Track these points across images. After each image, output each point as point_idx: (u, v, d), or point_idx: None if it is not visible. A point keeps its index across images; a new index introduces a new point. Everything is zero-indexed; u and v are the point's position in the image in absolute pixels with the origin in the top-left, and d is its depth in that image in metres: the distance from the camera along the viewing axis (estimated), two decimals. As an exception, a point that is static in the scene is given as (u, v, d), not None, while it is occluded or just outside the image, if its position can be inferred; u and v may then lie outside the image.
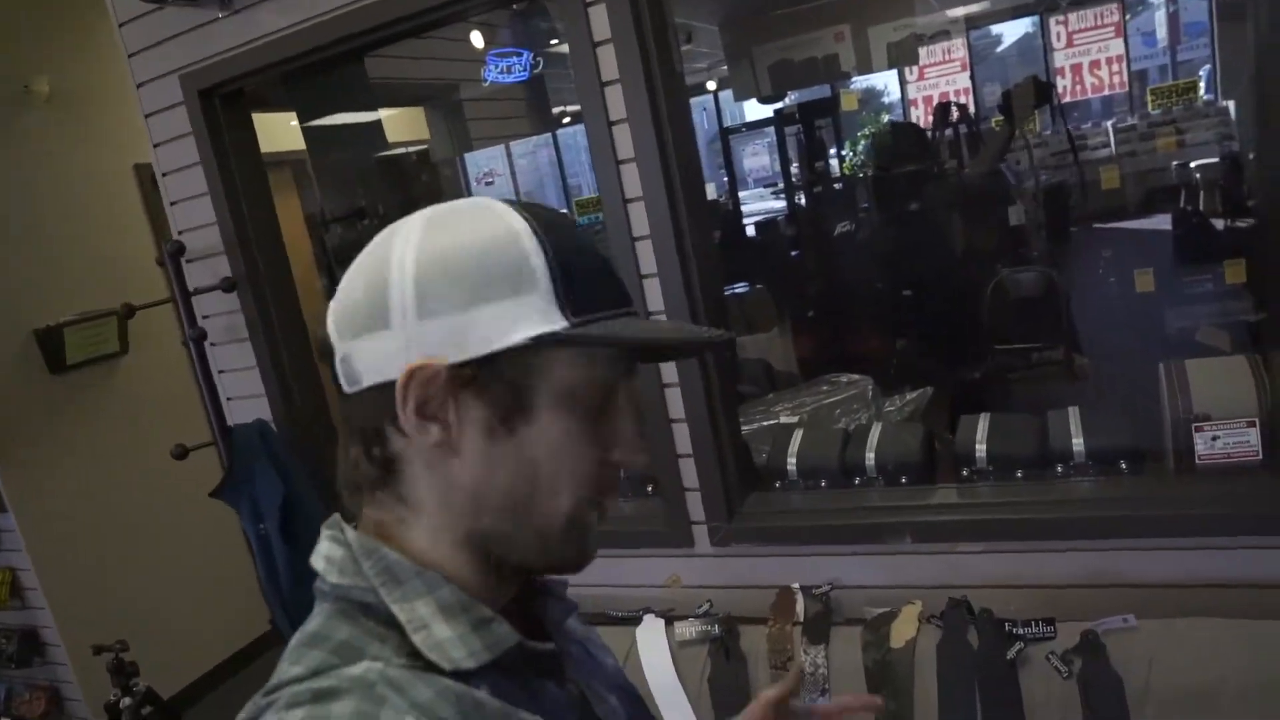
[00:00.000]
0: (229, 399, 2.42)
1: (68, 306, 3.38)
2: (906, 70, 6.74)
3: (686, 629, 1.84)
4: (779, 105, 5.87)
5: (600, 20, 1.77)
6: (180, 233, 2.34)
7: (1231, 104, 5.86)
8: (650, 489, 2.16)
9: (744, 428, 2.70)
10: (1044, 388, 4.24)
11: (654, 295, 1.87)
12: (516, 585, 0.69)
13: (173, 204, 2.33)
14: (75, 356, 3.42)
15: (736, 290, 4.94)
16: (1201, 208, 4.90)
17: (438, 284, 0.60)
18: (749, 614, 1.89)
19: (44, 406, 3.39)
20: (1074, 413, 1.83)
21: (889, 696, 1.60)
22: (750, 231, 6.67)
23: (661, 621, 1.90)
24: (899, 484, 1.91)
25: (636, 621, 1.93)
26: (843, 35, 5.15)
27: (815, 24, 4.95)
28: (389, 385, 0.60)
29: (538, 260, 0.61)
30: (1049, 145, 6.23)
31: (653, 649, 1.83)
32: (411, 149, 4.84)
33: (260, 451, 2.29)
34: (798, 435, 2.08)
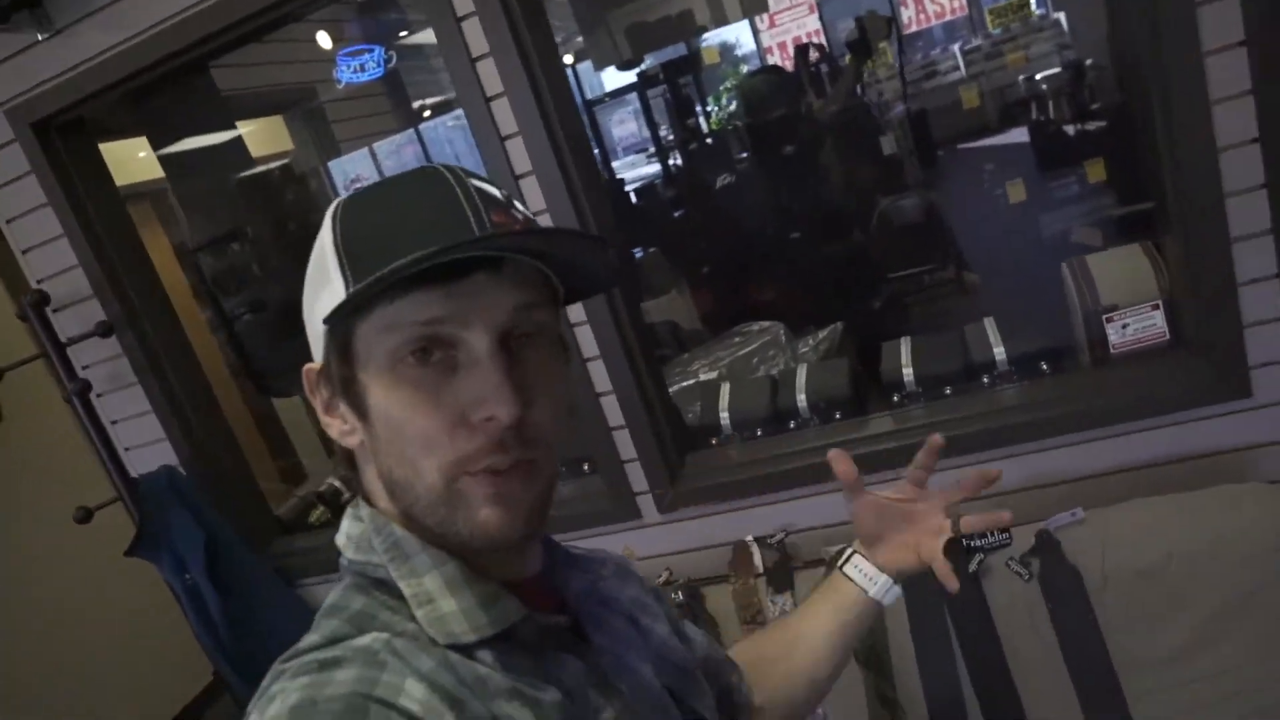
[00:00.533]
0: (127, 449, 2.26)
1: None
2: (758, 20, 6.80)
3: (650, 601, 1.81)
4: (640, 69, 5.83)
5: (463, -2, 1.69)
6: (39, 281, 2.15)
7: (1063, 15, 6.13)
8: (587, 467, 2.12)
9: (669, 389, 2.69)
10: (941, 306, 4.38)
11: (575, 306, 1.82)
12: (522, 559, 0.69)
13: (24, 251, 2.14)
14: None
15: (634, 255, 4.91)
16: (1053, 116, 5.11)
17: (305, 290, 0.66)
18: (710, 574, 1.88)
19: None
20: (990, 324, 1.87)
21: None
22: (632, 199, 6.65)
23: (623, 598, 1.87)
24: (834, 420, 1.91)
25: (597, 603, 1.89)
26: (694, -11, 5.13)
27: (664, -22, 4.92)
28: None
29: (328, 243, 0.62)
30: (906, 75, 6.40)
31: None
32: (276, 163, 4.62)
33: (172, 500, 2.14)
34: (725, 389, 2.07)
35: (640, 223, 5.93)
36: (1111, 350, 1.70)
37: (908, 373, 1.85)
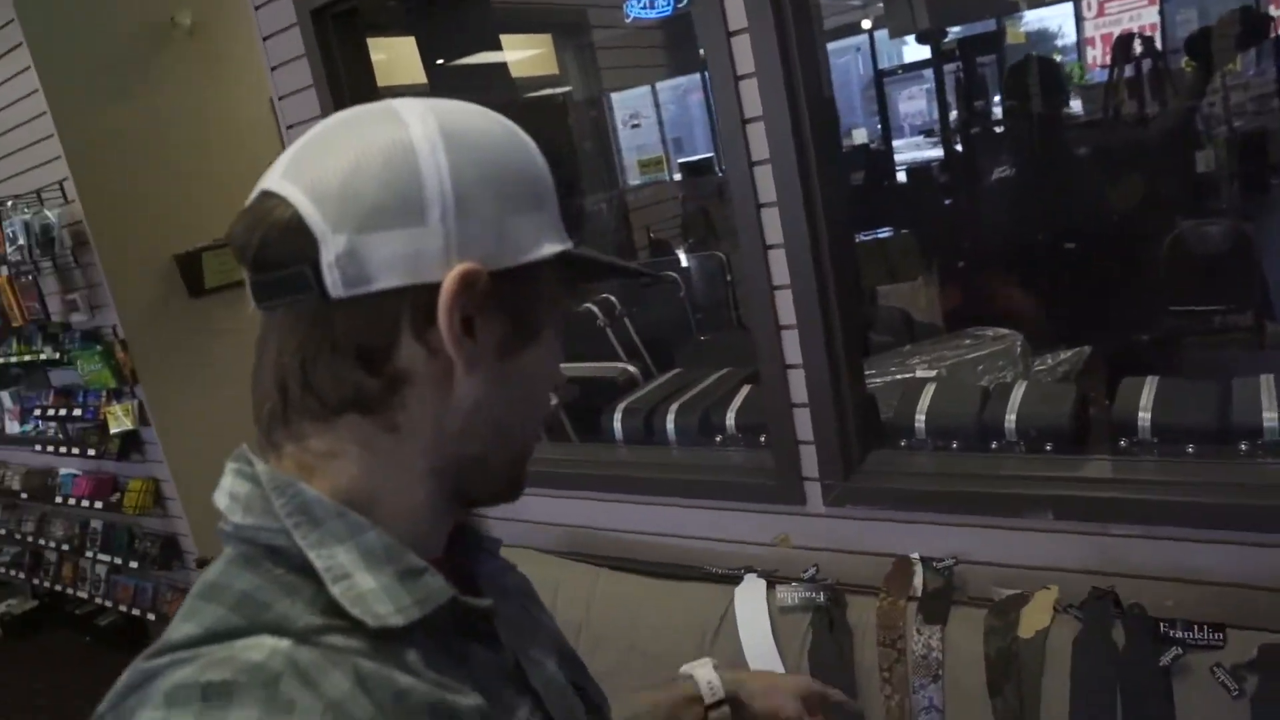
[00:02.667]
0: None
1: (205, 234, 3.47)
2: (1085, 4, 6.16)
3: (789, 594, 1.69)
4: (938, 43, 5.47)
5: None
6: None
7: None
8: (762, 439, 2.01)
9: (875, 380, 2.50)
10: (1225, 356, 3.82)
11: (778, 267, 1.71)
12: (449, 529, 0.64)
13: (289, 128, 2.30)
14: (213, 281, 3.53)
15: (880, 235, 4.66)
16: None
17: (476, 184, 0.55)
18: (860, 583, 1.72)
19: (183, 328, 3.52)
20: (1267, 381, 1.55)
21: (1011, 694, 1.41)
22: (901, 177, 6.32)
23: (764, 583, 1.76)
24: (1042, 451, 1.67)
25: (737, 580, 1.79)
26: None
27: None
28: (420, 289, 0.54)
29: (549, 179, 0.61)
30: (1250, 88, 5.58)
31: (751, 612, 1.69)
32: (541, 90, 4.75)
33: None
34: (929, 390, 1.87)
35: (902, 202, 5.62)
36: None
37: (1144, 416, 1.58)
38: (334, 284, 0.53)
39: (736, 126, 1.66)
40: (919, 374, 2.64)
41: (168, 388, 3.47)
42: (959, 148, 5.86)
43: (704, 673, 0.96)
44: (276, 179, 0.55)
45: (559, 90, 5.00)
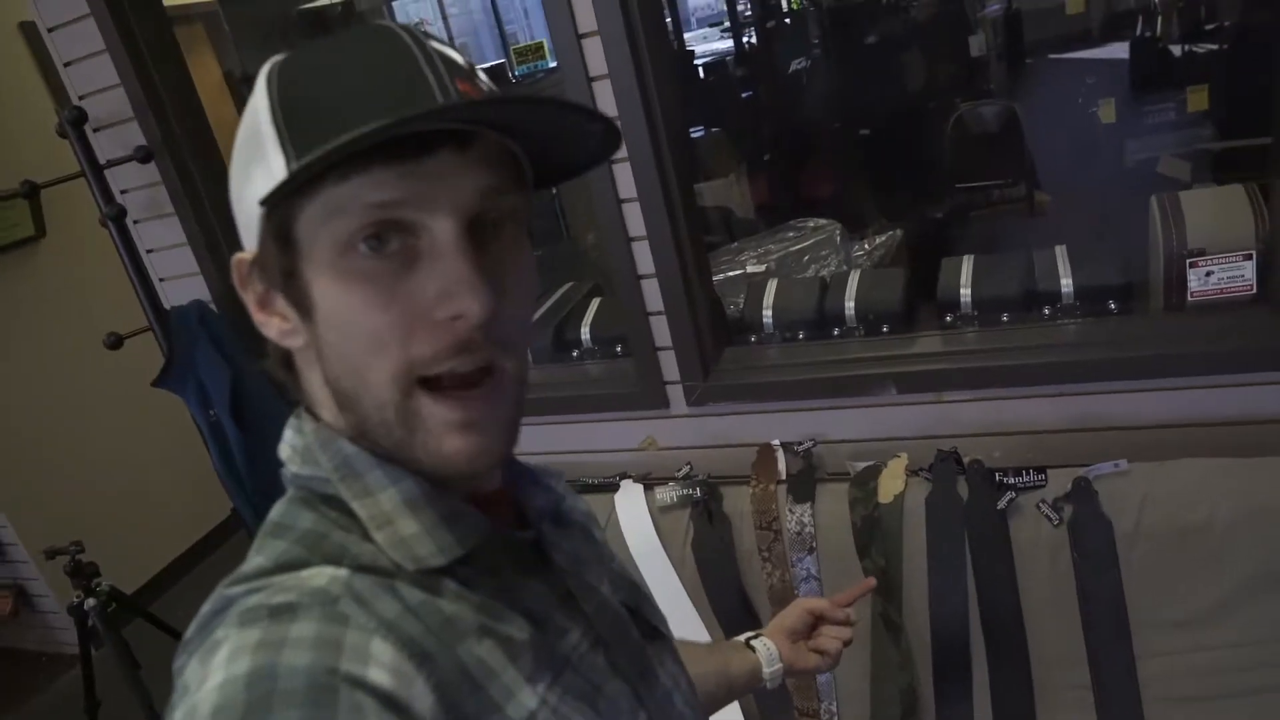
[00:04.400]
0: (161, 280, 2.24)
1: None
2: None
3: (667, 494, 1.79)
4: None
5: None
6: (81, 98, 2.09)
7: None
8: (620, 349, 2.07)
9: (714, 278, 2.61)
10: (1007, 225, 4.20)
11: (624, 181, 1.73)
12: (486, 476, 0.62)
13: (66, 64, 2.07)
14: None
15: (693, 135, 4.74)
16: (1160, 32, 4.77)
17: (235, 170, 0.57)
18: (730, 474, 1.85)
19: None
20: (1061, 252, 1.75)
21: (877, 553, 1.58)
22: (701, 75, 6.39)
23: (640, 486, 1.85)
24: (880, 333, 1.83)
25: (615, 488, 1.87)
26: None
27: None
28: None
29: (263, 110, 0.53)
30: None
31: (632, 515, 1.78)
32: (337, -1, 4.45)
33: (201, 335, 2.13)
34: (772, 286, 1.99)
35: (706, 100, 5.70)
36: (1189, 297, 1.59)
37: (965, 293, 1.76)
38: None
39: (574, 45, 1.66)
40: (750, 270, 2.78)
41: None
42: (753, 40, 5.98)
43: (760, 644, 1.09)
44: None
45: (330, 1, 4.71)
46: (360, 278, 0.52)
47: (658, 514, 1.78)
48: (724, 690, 1.04)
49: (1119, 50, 4.92)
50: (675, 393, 1.91)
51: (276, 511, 0.59)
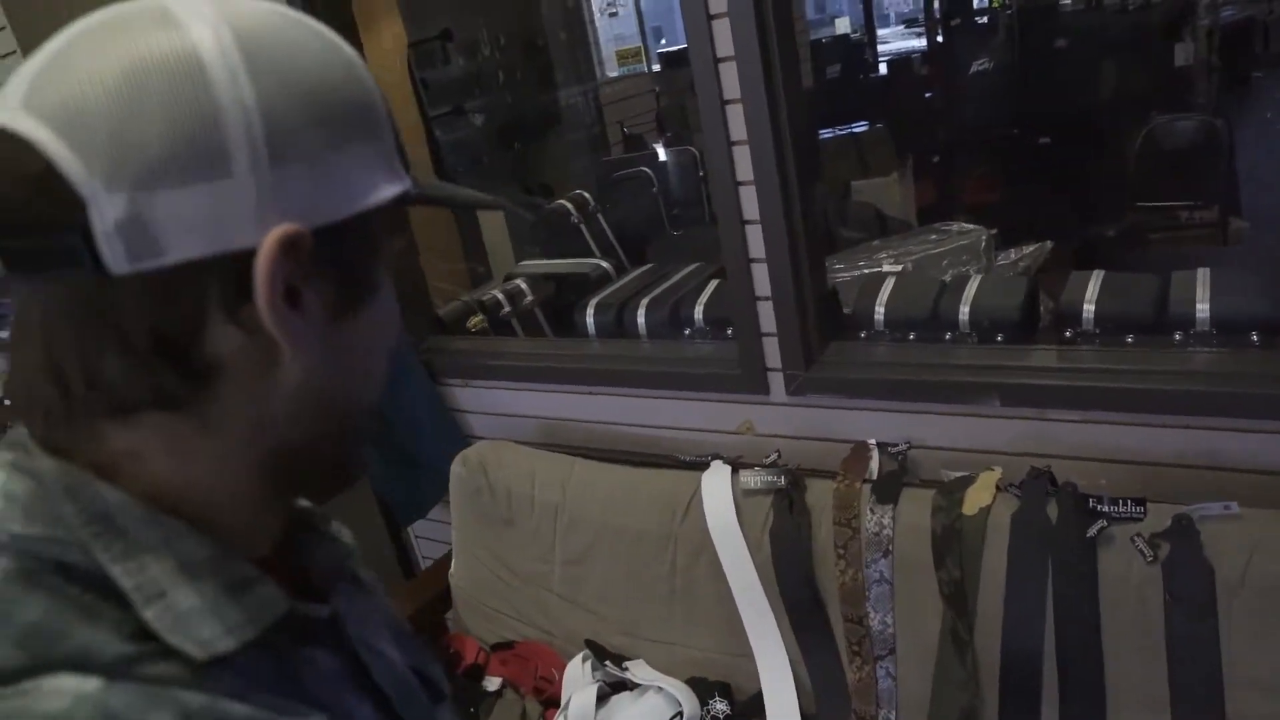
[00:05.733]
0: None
1: None
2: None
3: (752, 478, 1.79)
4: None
5: None
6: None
7: None
8: (729, 331, 2.08)
9: (843, 275, 2.57)
10: (1187, 251, 3.89)
11: (743, 163, 1.73)
12: (279, 524, 0.55)
13: None
14: None
15: (855, 130, 4.65)
16: None
17: (290, 117, 0.44)
18: (819, 467, 1.83)
19: None
20: (1203, 274, 1.63)
21: (953, 565, 1.53)
22: (883, 70, 6.24)
23: (728, 468, 1.86)
24: (993, 341, 1.76)
25: (704, 467, 1.89)
26: None
27: None
28: (229, 258, 0.43)
29: (380, 100, 0.50)
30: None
31: (716, 495, 1.80)
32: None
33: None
34: (889, 283, 1.94)
35: (879, 95, 5.57)
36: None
37: (1089, 308, 1.66)
38: (114, 258, 0.41)
39: (702, 21, 1.67)
40: (885, 269, 2.71)
41: None
42: (940, 39, 5.78)
43: None
44: (12, 110, 0.41)
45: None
46: (392, 294, 0.54)
47: (741, 497, 1.79)
48: None
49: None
50: (775, 380, 1.91)
51: None
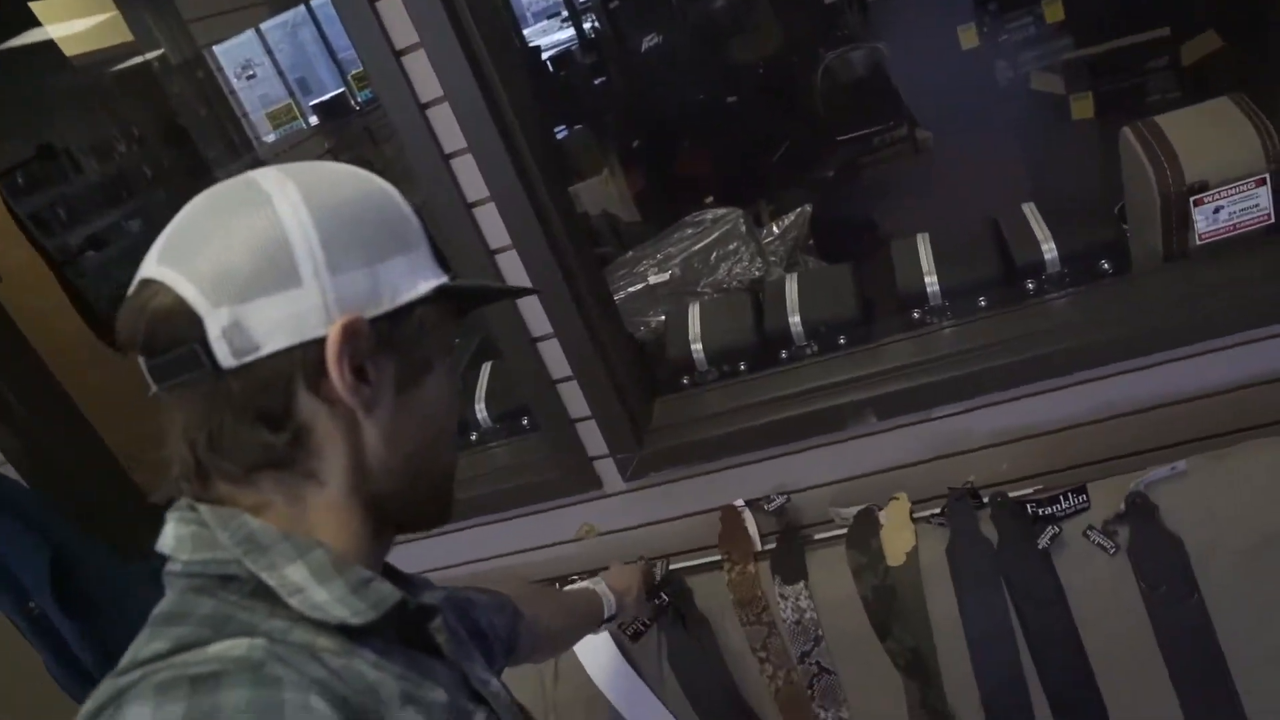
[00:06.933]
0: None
1: None
2: None
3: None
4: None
5: None
6: None
7: None
8: (526, 421, 1.71)
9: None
10: (900, 169, 4.04)
11: (492, 227, 1.36)
12: (386, 554, 0.68)
13: None
14: None
15: (559, 138, 4.39)
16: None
17: (342, 239, 0.59)
18: (690, 546, 1.51)
19: None
20: (1030, 210, 1.46)
21: (901, 632, 1.26)
22: (549, 69, 6.02)
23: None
24: (838, 348, 1.51)
25: (557, 598, 1.50)
26: None
27: None
28: (307, 346, 0.57)
29: (415, 220, 0.65)
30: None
31: (590, 642, 1.42)
32: (121, 64, 3.90)
33: (2, 515, 1.67)
34: (695, 312, 1.65)
35: (560, 96, 5.34)
36: (1197, 240, 1.31)
37: (930, 280, 1.45)
38: (224, 355, 0.56)
39: (389, 61, 1.27)
40: (652, 280, 2.45)
41: None
42: (597, 25, 5.64)
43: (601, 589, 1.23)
44: (153, 266, 0.58)
45: (147, 58, 4.14)
46: (454, 376, 0.69)
47: (619, 632, 1.42)
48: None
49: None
50: (606, 468, 1.55)
51: (165, 605, 0.57)
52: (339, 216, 0.59)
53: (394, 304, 0.60)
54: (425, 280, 0.62)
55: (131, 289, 0.58)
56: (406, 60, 1.27)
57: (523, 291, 0.92)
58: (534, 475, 1.59)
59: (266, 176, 0.60)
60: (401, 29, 1.25)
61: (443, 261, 0.65)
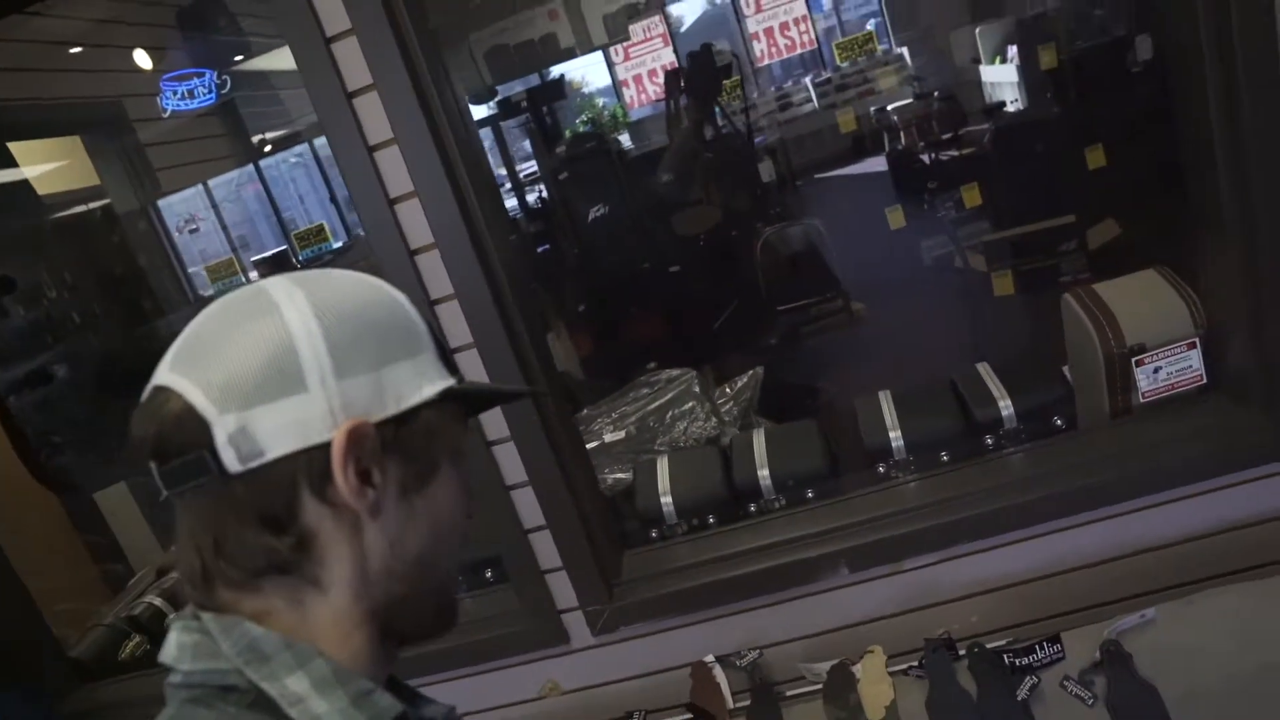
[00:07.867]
0: None
1: None
2: (613, 53, 6.58)
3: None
4: (497, 99, 5.45)
5: (333, 9, 1.25)
6: None
7: (905, 50, 6.23)
8: (490, 574, 1.67)
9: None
10: (839, 337, 4.22)
11: (455, 323, 1.39)
12: (388, 673, 0.66)
13: None
14: None
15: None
16: (904, 145, 5.11)
17: (348, 345, 0.59)
18: (659, 705, 1.47)
19: None
20: (985, 370, 1.55)
21: (888, 789, 1.23)
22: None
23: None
24: (806, 501, 1.54)
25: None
26: (557, 14, 4.91)
27: (528, 1, 4.65)
28: (313, 451, 0.57)
29: (421, 324, 0.65)
30: (759, 108, 6.35)
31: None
32: (78, 207, 3.93)
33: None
34: (663, 466, 1.67)
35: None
36: (1141, 398, 1.40)
37: (895, 435, 1.50)
38: (230, 461, 0.56)
39: (383, 208, 1.32)
40: (608, 438, 2.47)
41: None
42: (543, 194, 5.89)
43: None
44: (165, 373, 0.59)
45: (100, 203, 4.19)
46: (462, 478, 0.66)
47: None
48: None
49: (877, 164, 5.27)
50: (575, 622, 1.52)
51: (164, 718, 0.58)
52: (345, 323, 0.60)
53: (399, 408, 0.60)
54: (431, 384, 0.62)
55: (144, 396, 0.59)
56: (400, 208, 1.33)
57: (528, 393, 0.93)
58: (500, 628, 1.55)
59: (276, 285, 0.61)
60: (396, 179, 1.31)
61: (450, 365, 0.65)
